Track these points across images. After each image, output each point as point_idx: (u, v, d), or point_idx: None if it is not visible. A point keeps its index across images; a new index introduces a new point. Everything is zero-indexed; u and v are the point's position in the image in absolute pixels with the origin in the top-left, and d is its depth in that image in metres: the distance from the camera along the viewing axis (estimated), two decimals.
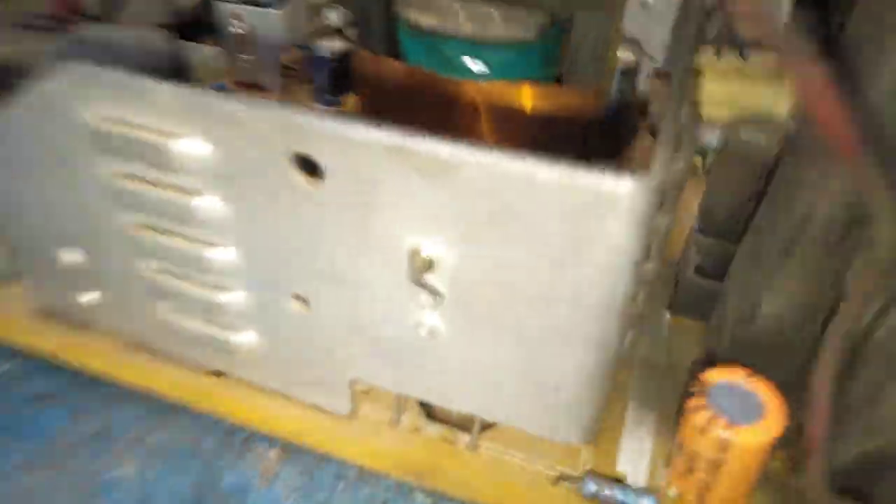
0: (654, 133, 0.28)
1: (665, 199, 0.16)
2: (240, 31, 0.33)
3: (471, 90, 0.19)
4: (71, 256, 0.20)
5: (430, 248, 0.15)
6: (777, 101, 0.29)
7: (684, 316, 0.23)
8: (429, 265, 0.15)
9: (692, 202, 0.25)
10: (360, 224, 0.15)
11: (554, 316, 0.14)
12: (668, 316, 0.23)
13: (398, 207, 0.14)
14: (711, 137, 0.27)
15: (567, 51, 0.21)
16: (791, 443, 0.17)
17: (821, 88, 0.10)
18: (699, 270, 0.22)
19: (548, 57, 0.21)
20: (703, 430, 0.16)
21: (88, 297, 0.21)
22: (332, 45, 0.31)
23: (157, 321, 0.20)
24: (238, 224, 0.16)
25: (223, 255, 0.17)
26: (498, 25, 0.19)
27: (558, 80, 0.21)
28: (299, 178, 0.15)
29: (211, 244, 0.17)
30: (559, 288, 0.14)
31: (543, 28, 0.21)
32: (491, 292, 0.15)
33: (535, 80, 0.20)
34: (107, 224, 0.18)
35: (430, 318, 0.16)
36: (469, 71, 0.20)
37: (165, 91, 0.15)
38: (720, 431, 0.16)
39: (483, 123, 0.19)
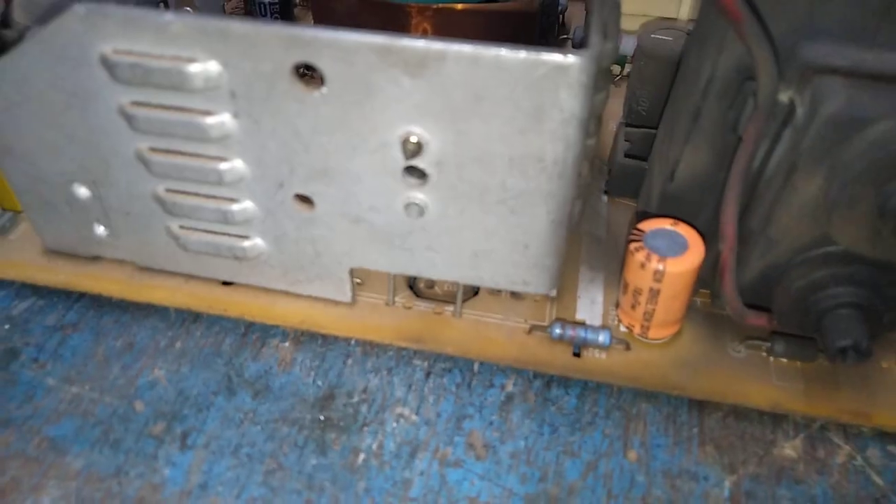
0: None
1: (600, 79, 0.20)
2: None
3: (423, 14, 0.22)
4: (83, 191, 0.22)
5: (418, 134, 0.18)
6: (678, 8, 0.33)
7: (619, 196, 0.27)
8: (418, 149, 0.18)
9: (616, 107, 0.29)
10: (356, 121, 0.18)
11: (523, 178, 0.18)
12: (605, 199, 0.28)
13: (388, 101, 0.17)
14: (626, 46, 0.31)
15: None
16: (712, 282, 0.22)
17: None
18: (628, 154, 0.26)
19: None
20: (642, 265, 0.20)
21: (100, 230, 0.23)
22: None
23: (169, 242, 0.23)
24: (246, 137, 0.19)
25: (233, 166, 0.20)
26: None
27: None
28: (301, 87, 0.18)
29: (222, 158, 0.20)
30: (526, 153, 0.17)
31: None
32: (470, 166, 0.18)
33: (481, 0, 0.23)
34: (121, 152, 0.20)
35: (418, 198, 0.19)
36: None
37: (177, 21, 0.17)
38: (655, 264, 0.20)
39: (428, 29, 0.22)
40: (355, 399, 0.22)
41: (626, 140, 0.27)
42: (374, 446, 0.21)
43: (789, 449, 0.21)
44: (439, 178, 0.19)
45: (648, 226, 0.21)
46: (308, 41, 0.17)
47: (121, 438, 0.21)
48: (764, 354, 0.22)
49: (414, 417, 0.22)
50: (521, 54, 0.16)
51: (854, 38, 0.17)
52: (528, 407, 0.22)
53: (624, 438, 0.21)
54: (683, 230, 0.21)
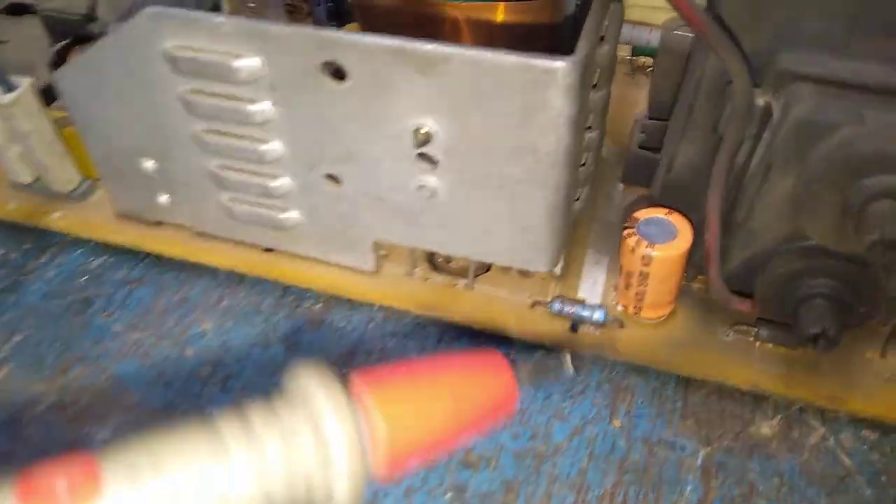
0: None
1: (598, 79, 0.22)
2: None
3: (451, 9, 0.24)
4: (150, 164, 0.25)
5: (428, 125, 0.20)
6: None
7: (633, 184, 0.29)
8: (427, 138, 0.20)
9: (641, 97, 0.30)
10: (375, 112, 0.20)
11: (519, 167, 0.20)
12: (621, 187, 0.29)
13: (402, 97, 0.20)
14: (655, 37, 0.33)
15: None
16: (704, 270, 0.23)
17: None
18: (642, 145, 0.28)
19: None
20: (632, 251, 0.22)
21: (164, 197, 0.27)
22: None
23: (220, 211, 0.26)
24: (283, 122, 0.22)
25: (273, 147, 0.23)
26: None
27: None
28: (329, 81, 0.20)
29: (264, 140, 0.23)
30: (522, 145, 0.20)
31: None
32: (474, 154, 0.20)
33: None
34: (180, 132, 0.24)
35: (430, 181, 0.22)
36: None
37: (226, 22, 0.20)
38: (644, 249, 0.22)
39: (464, 37, 0.24)
40: (374, 357, 0.25)
41: (641, 132, 0.28)
42: None
43: (766, 428, 0.23)
44: (447, 164, 0.21)
45: (644, 214, 0.23)
46: (333, 42, 0.19)
47: (172, 379, 0.25)
48: (751, 339, 0.24)
49: None
50: (513, 58, 0.18)
51: (828, 49, 0.18)
52: (528, 374, 0.25)
53: (611, 407, 0.24)
54: (675, 219, 0.23)
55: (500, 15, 0.24)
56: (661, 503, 0.21)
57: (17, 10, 0.38)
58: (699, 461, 0.22)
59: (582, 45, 0.18)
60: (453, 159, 0.21)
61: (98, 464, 0.12)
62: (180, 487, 0.12)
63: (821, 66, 0.18)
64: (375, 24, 0.25)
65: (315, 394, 0.13)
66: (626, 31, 0.35)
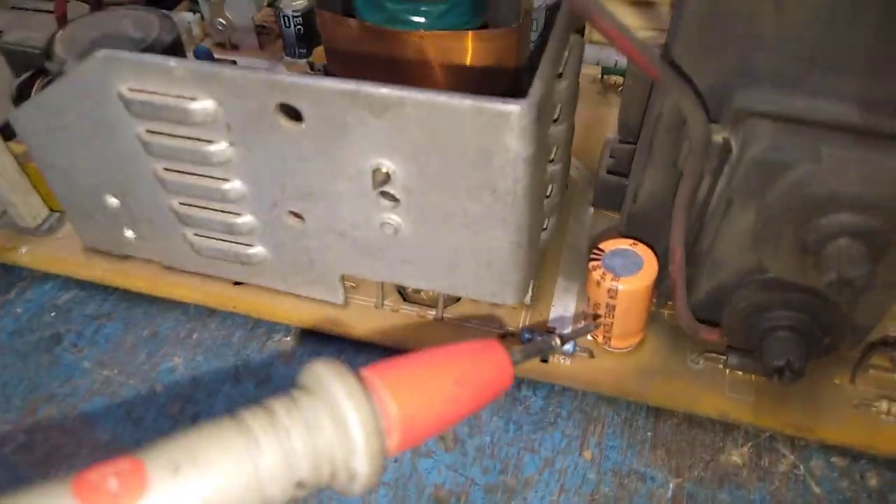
0: None
1: (559, 114, 0.22)
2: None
3: (416, 39, 0.24)
4: (113, 201, 0.25)
5: (386, 165, 0.20)
6: None
7: (603, 208, 0.29)
8: (386, 178, 0.20)
9: (613, 116, 0.30)
10: (333, 152, 0.20)
11: (479, 205, 0.20)
12: (591, 210, 0.29)
13: (357, 138, 0.20)
14: (623, 59, 0.33)
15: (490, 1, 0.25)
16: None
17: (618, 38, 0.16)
18: (611, 171, 0.28)
19: (474, 7, 0.25)
20: (598, 283, 0.22)
21: (129, 233, 0.26)
22: (295, 4, 0.35)
23: (186, 246, 0.26)
24: (242, 162, 0.22)
25: (234, 186, 0.23)
26: None
27: (485, 26, 0.25)
28: (284, 122, 0.20)
29: (224, 179, 0.22)
30: (479, 184, 0.19)
31: None
32: (434, 193, 0.20)
33: (467, 27, 0.24)
34: (141, 171, 0.23)
35: (392, 218, 0.22)
36: (411, 23, 0.24)
37: (179, 66, 0.20)
38: (610, 282, 0.22)
39: (430, 66, 0.24)
40: None
41: (611, 157, 0.28)
42: None
43: (736, 456, 0.23)
44: (408, 202, 0.21)
45: (609, 245, 0.23)
46: (287, 86, 0.19)
47: (142, 416, 0.25)
48: (720, 367, 0.24)
49: None
50: (468, 102, 0.18)
51: (786, 85, 0.18)
52: (498, 405, 0.24)
53: (581, 438, 0.23)
54: (641, 250, 0.22)
55: (466, 42, 0.24)
56: None
57: None
58: (669, 493, 0.22)
59: (536, 87, 0.18)
60: (414, 197, 0.21)
61: (142, 462, 0.13)
62: (217, 479, 0.13)
63: (777, 103, 0.18)
64: (342, 53, 0.24)
65: (332, 383, 0.14)
66: (595, 52, 0.35)
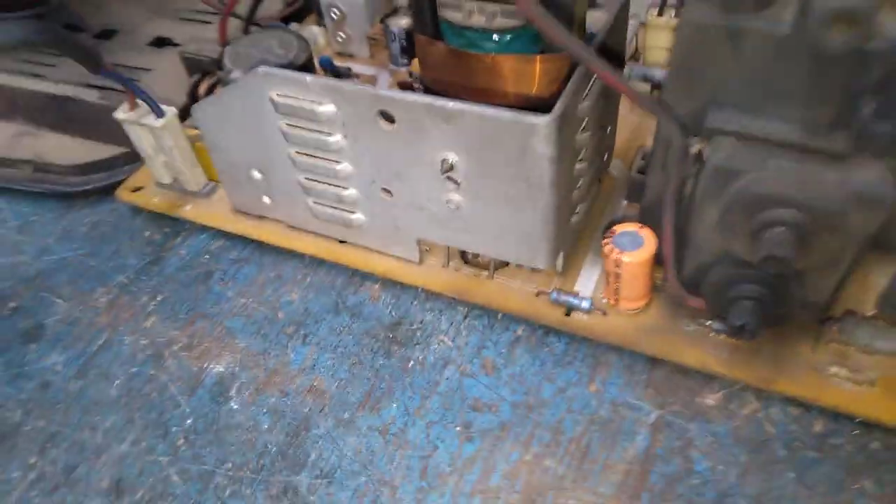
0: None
1: (585, 125, 0.29)
2: (336, 16, 0.46)
3: (488, 60, 0.31)
4: (257, 174, 0.34)
5: (451, 158, 0.28)
6: None
7: (634, 202, 0.35)
8: (451, 167, 0.28)
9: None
10: (414, 147, 0.28)
11: (517, 190, 0.27)
12: (624, 203, 0.36)
13: (432, 137, 0.27)
14: (660, 74, 0.39)
15: None
16: None
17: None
18: (640, 171, 0.34)
19: (535, 38, 0.31)
20: (607, 256, 0.29)
21: (266, 199, 0.35)
22: (399, 23, 0.43)
23: (307, 211, 0.34)
24: (351, 150, 0.30)
25: (344, 167, 0.31)
26: (499, 19, 0.31)
27: (543, 51, 0.32)
28: (383, 123, 0.28)
29: (337, 162, 0.31)
30: (517, 175, 0.27)
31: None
32: (486, 179, 0.28)
33: (529, 51, 0.31)
34: (279, 154, 0.32)
35: (455, 197, 0.29)
36: (485, 48, 0.31)
37: (313, 81, 0.28)
38: (616, 255, 0.28)
39: (499, 81, 0.31)
40: (414, 327, 0.33)
41: (642, 159, 0.34)
42: (420, 358, 0.32)
43: (710, 399, 0.29)
44: (466, 185, 0.29)
45: (619, 227, 0.29)
46: (386, 98, 0.27)
47: (267, 333, 0.34)
48: (705, 330, 0.30)
49: (450, 343, 0.32)
50: (508, 114, 0.25)
51: (746, 110, 0.24)
52: (529, 347, 0.32)
53: (590, 376, 0.30)
54: (645, 233, 0.29)
55: (535, 64, 0.30)
56: (616, 448, 0.28)
57: (160, 43, 0.48)
58: (651, 419, 0.29)
59: (558, 106, 0.25)
60: (471, 182, 0.28)
61: None
62: None
63: (737, 124, 0.24)
64: (433, 67, 0.32)
65: None
66: (642, 70, 0.41)
